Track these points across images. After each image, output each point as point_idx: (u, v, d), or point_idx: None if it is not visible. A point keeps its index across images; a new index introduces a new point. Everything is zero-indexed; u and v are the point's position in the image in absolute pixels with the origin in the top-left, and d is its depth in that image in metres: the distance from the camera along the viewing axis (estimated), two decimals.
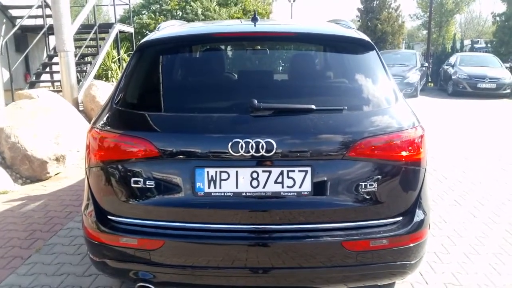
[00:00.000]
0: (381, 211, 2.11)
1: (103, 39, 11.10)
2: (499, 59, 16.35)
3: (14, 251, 3.29)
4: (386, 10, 24.96)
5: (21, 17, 9.35)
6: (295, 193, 2.01)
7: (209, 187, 2.01)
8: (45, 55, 11.17)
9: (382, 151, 2.07)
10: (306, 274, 2.10)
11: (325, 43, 2.71)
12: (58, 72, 9.13)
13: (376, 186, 2.06)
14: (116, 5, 12.13)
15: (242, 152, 1.97)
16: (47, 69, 10.75)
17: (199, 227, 2.09)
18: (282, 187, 2.01)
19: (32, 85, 9.80)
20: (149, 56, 2.43)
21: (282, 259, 2.05)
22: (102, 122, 2.23)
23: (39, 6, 9.72)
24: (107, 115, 2.26)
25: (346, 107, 2.15)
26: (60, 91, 8.42)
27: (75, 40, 9.91)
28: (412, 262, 2.17)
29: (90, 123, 2.44)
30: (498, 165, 5.83)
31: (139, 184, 2.06)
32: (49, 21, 9.49)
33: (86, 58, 11.58)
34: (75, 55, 8.95)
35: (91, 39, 10.63)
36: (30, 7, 9.38)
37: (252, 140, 1.97)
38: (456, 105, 12.27)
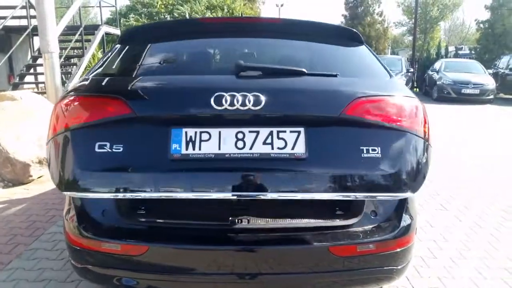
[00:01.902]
0: (381, 181, 1.92)
1: (89, 40, 10.98)
2: (483, 65, 16.64)
3: None
4: (370, 15, 25.28)
5: (5, 18, 9.19)
6: (287, 155, 1.82)
7: (186, 149, 1.81)
8: (29, 56, 11.00)
9: (379, 113, 1.93)
10: (294, 279, 2.08)
11: (314, 32, 2.69)
12: (42, 73, 8.98)
13: (374, 151, 1.87)
14: (103, 7, 12.02)
15: (226, 106, 1.79)
16: (31, 71, 10.58)
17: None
18: (272, 148, 1.82)
19: (15, 87, 9.63)
20: (131, 43, 2.50)
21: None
22: (71, 90, 2.12)
23: (23, 7, 9.58)
24: (78, 84, 2.15)
25: (339, 74, 2.12)
26: (44, 92, 8.29)
27: (60, 41, 9.76)
28: (399, 267, 2.16)
29: None
30: (482, 169, 5.90)
31: (105, 149, 1.86)
32: (34, 22, 9.37)
33: (71, 60, 11.44)
34: (60, 57, 8.82)
35: (77, 41, 10.51)
36: (14, 7, 9.23)
37: (238, 93, 1.80)
38: (441, 110, 12.42)
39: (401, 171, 1.92)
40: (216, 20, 2.74)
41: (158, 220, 2.14)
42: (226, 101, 1.80)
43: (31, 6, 9.60)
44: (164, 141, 1.83)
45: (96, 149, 1.85)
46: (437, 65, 16.79)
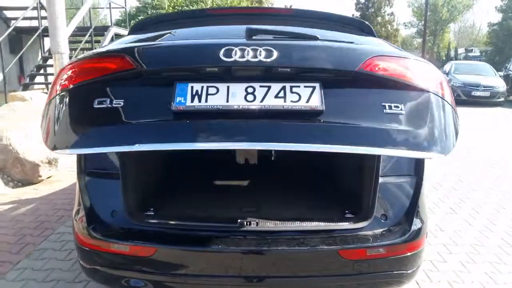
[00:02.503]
0: (405, 137, 1.78)
1: (98, 41, 11.05)
2: (493, 67, 16.48)
3: (4, 256, 3.22)
4: (381, 16, 25.21)
5: (16, 19, 9.28)
6: (301, 107, 1.70)
7: (192, 101, 1.70)
8: (39, 57, 11.08)
9: (399, 71, 1.83)
10: (302, 282, 2.06)
11: (326, 20, 2.67)
12: (52, 74, 9.06)
13: (397, 108, 1.76)
14: (112, 8, 12.10)
15: (235, 58, 1.70)
16: (42, 71, 10.67)
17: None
18: (285, 101, 1.69)
19: (26, 87, 9.72)
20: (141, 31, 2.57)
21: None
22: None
23: (34, 8, 9.66)
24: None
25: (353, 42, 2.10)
26: None
27: (70, 42, 9.84)
28: (409, 272, 2.14)
29: None
30: (492, 172, 5.83)
31: (106, 104, 1.75)
32: (44, 22, 9.43)
33: None
34: (70, 57, 8.88)
35: (87, 42, 10.58)
36: (25, 8, 9.32)
37: (249, 47, 1.72)
38: None
39: (425, 129, 1.80)
40: (228, 10, 2.70)
41: (166, 221, 2.15)
42: (235, 53, 1.70)
43: (42, 7, 9.68)
44: (168, 96, 1.72)
45: (97, 105, 1.75)
46: (447, 67, 16.68)
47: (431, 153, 1.85)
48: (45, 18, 9.15)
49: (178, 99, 1.71)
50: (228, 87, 1.72)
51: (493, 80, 14.96)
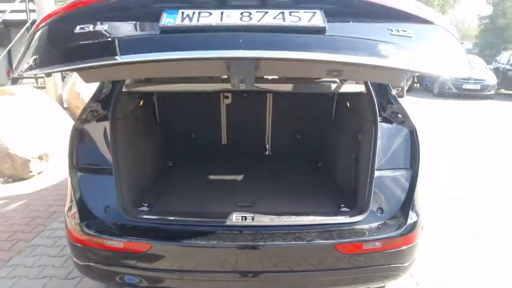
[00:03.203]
0: (405, 55, 1.64)
1: None
2: (484, 60, 16.56)
3: None
4: None
5: (4, 12, 9.11)
6: (303, 25, 1.56)
7: (182, 21, 1.58)
8: None
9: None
10: (298, 277, 2.05)
11: None
12: None
13: (404, 32, 1.64)
14: None
15: None
16: None
17: None
18: (284, 21, 1.57)
19: (15, 82, 9.55)
20: None
21: None
22: None
23: (22, 0, 9.49)
24: None
25: None
26: (44, 87, 8.23)
27: None
28: (405, 265, 2.14)
29: (74, 120, 2.35)
30: (489, 164, 5.88)
31: (88, 29, 1.61)
32: (33, 15, 9.27)
33: None
34: None
35: None
36: (13, 1, 9.15)
37: None
38: (442, 106, 12.37)
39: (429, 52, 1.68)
40: None
41: (161, 217, 2.12)
42: None
43: (30, 0, 9.51)
44: (155, 19, 1.59)
45: (80, 30, 1.61)
46: None
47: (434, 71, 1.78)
48: (33, 11, 9.01)
49: (167, 20, 1.58)
50: (222, 12, 1.59)
51: (484, 73, 15.02)
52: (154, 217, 2.13)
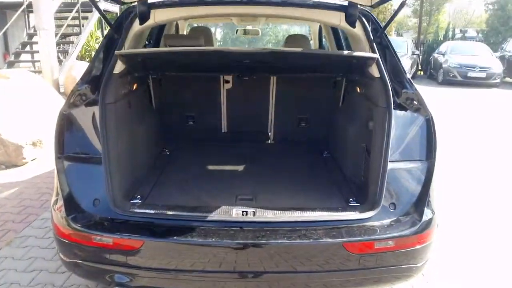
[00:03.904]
0: None
1: (86, 18, 10.63)
2: (490, 48, 16.26)
3: None
4: None
5: None
6: None
7: None
8: (25, 33, 10.68)
9: None
10: (303, 278, 1.89)
11: None
12: (38, 51, 8.71)
13: None
14: None
15: None
16: (27, 48, 10.28)
17: None
18: None
19: (11, 65, 9.36)
20: None
21: None
22: None
23: None
24: None
25: None
26: (41, 72, 8.03)
27: (57, 18, 9.47)
28: (418, 265, 1.98)
29: None
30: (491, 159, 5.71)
31: None
32: None
33: (69, 38, 11.12)
34: (56, 34, 8.53)
35: (74, 18, 10.17)
36: None
37: None
38: (447, 94, 12.14)
39: None
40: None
41: (154, 211, 1.96)
42: None
43: None
44: None
45: None
46: (442, 48, 16.39)
47: None
48: None
49: None
50: None
51: (490, 61, 14.73)
52: (147, 211, 1.97)
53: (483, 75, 14.25)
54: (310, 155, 3.05)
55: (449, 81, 14.54)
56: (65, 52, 11.06)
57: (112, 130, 2.05)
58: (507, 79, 15.98)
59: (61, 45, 10.79)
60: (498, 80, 14.39)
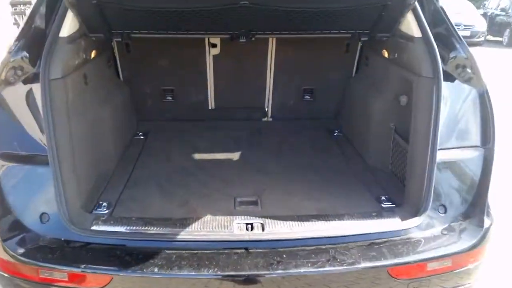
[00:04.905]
0: None
1: None
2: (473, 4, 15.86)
3: None
4: None
5: None
6: None
7: None
8: None
9: None
10: None
11: None
12: None
13: None
14: None
15: None
16: None
17: None
18: None
19: None
20: None
21: None
22: None
23: None
24: None
25: None
26: None
27: None
28: (472, 283, 1.54)
29: None
30: None
31: None
32: None
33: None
34: None
35: None
36: None
37: None
38: None
39: None
40: None
41: (126, 228, 1.43)
42: None
43: None
44: None
45: None
46: None
47: None
48: None
49: None
50: None
51: (474, 18, 14.35)
52: (116, 228, 1.45)
53: (468, 33, 13.86)
54: (318, 136, 2.49)
55: None
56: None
57: (61, 116, 1.49)
58: (489, 37, 15.69)
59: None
60: (482, 39, 14.13)
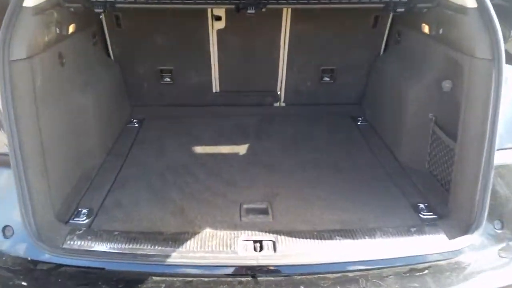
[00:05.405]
0: None
1: None
2: None
3: None
4: None
5: None
6: None
7: None
8: None
9: None
10: None
11: None
12: None
13: None
14: None
15: None
16: None
17: None
18: None
19: None
20: None
21: None
22: None
23: None
24: None
25: None
26: None
27: None
28: None
29: None
30: None
31: None
32: None
33: None
34: None
35: None
36: None
37: None
38: None
39: None
40: None
41: (108, 246, 1.17)
42: None
43: None
44: None
45: None
46: None
47: None
48: None
49: None
50: None
51: None
52: (96, 246, 1.18)
53: None
54: (339, 124, 2.16)
55: None
56: None
57: (26, 106, 1.21)
58: None
59: None
60: None
